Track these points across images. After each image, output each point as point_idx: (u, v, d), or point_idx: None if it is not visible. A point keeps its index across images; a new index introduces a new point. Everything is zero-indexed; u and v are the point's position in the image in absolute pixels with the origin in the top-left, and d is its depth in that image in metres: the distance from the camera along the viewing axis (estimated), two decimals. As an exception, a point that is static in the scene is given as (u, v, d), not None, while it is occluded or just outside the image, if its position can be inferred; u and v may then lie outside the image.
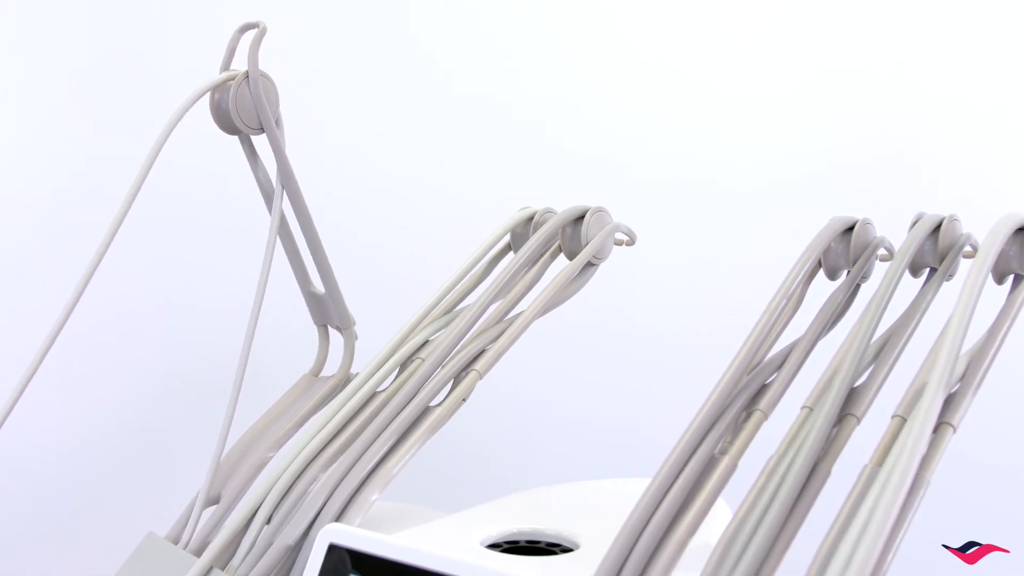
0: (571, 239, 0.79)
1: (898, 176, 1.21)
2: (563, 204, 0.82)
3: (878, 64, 1.22)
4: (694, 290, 1.22)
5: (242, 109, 0.70)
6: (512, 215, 0.82)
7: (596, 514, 0.68)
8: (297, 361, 0.87)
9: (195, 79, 1.16)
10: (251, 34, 0.70)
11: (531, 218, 0.81)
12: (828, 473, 0.55)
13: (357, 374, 0.76)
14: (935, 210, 0.70)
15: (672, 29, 1.25)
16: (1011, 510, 1.16)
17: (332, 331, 0.82)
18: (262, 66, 0.70)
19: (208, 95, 0.70)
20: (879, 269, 0.69)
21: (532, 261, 0.78)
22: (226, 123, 0.71)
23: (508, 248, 0.82)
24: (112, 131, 1.21)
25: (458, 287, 0.79)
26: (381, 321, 0.85)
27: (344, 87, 1.24)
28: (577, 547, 0.64)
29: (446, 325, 0.76)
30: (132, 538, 1.13)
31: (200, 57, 1.18)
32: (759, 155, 1.23)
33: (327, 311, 0.80)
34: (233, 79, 0.70)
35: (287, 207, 0.74)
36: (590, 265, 0.79)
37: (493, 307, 0.76)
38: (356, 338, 0.80)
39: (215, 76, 0.71)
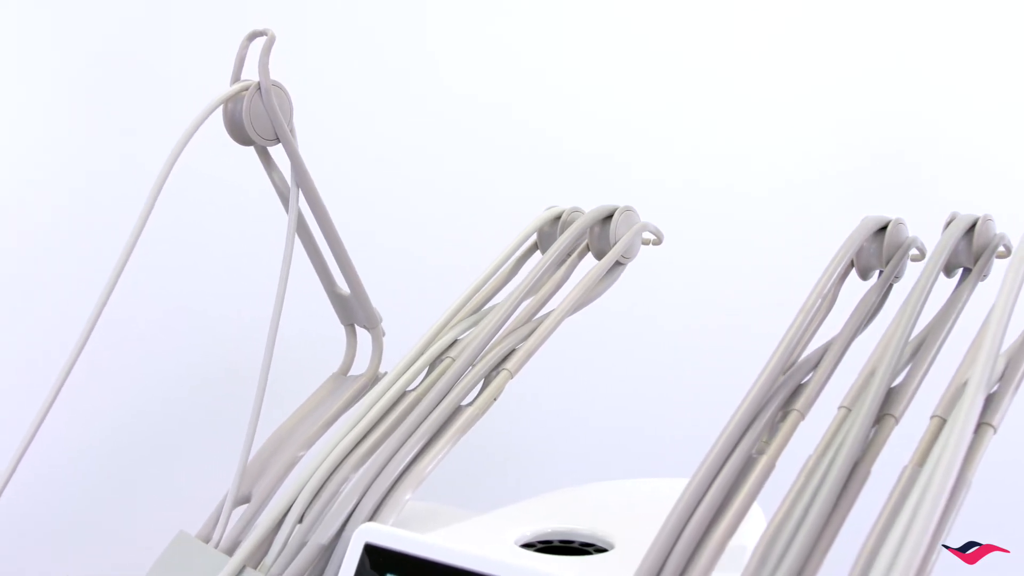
0: (599, 238, 0.79)
1: (906, 177, 1.21)
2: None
3: (885, 66, 1.21)
4: (702, 291, 1.22)
5: (256, 121, 0.69)
6: (539, 215, 0.82)
7: (628, 514, 0.68)
8: (318, 362, 0.87)
9: (201, 80, 1.17)
10: (259, 43, 0.68)
11: (558, 217, 0.81)
12: (868, 474, 0.55)
13: (386, 373, 0.76)
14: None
15: (674, 29, 1.24)
16: (1011, 510, 1.16)
17: (359, 330, 0.81)
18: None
19: (221, 107, 0.69)
20: (910, 269, 0.69)
21: (560, 261, 0.78)
22: (240, 135, 0.70)
23: (534, 247, 0.82)
24: (121, 135, 1.21)
25: (486, 287, 0.79)
26: (395, 322, 0.85)
27: (348, 88, 1.24)
28: (611, 547, 0.64)
29: (475, 324, 0.76)
30: (135, 538, 1.13)
31: (206, 59, 1.19)
32: (767, 156, 1.23)
33: (353, 311, 0.80)
34: (246, 90, 0.69)
35: (307, 212, 0.74)
36: (618, 264, 0.79)
37: (522, 306, 0.76)
38: (384, 334, 0.80)
39: (227, 88, 0.70)
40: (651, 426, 1.19)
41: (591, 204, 0.82)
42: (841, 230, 0.73)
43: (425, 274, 1.17)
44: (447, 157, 1.24)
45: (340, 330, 0.83)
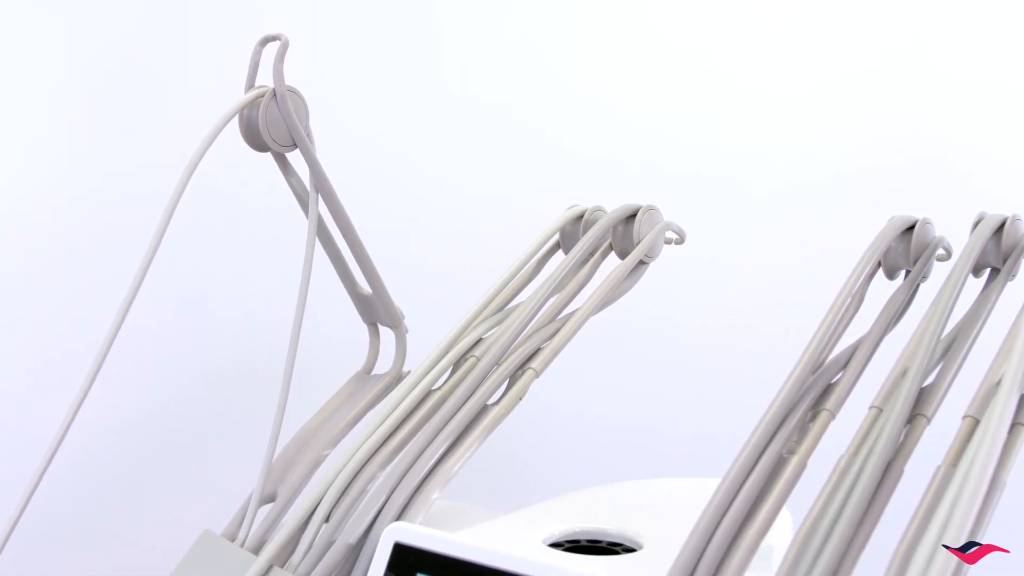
0: (622, 238, 0.79)
1: (916, 177, 1.20)
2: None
3: (895, 65, 1.21)
4: (720, 291, 1.22)
5: (272, 127, 0.69)
6: (561, 214, 0.82)
7: (654, 514, 0.68)
8: (335, 360, 0.87)
9: (201, 80, 1.17)
10: (272, 47, 0.67)
11: (580, 216, 0.81)
12: (900, 474, 0.55)
13: (409, 372, 0.76)
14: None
15: (689, 28, 1.24)
16: (1011, 509, 1.15)
17: (382, 329, 0.81)
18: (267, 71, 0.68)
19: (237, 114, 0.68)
20: (936, 268, 0.69)
21: (584, 260, 0.78)
22: (256, 142, 0.70)
23: (556, 247, 0.82)
24: (121, 135, 1.21)
25: (508, 286, 0.79)
26: (414, 322, 0.85)
27: (356, 88, 1.24)
28: (640, 547, 0.63)
29: (498, 324, 0.76)
30: (141, 540, 1.13)
31: (207, 59, 1.19)
32: (784, 155, 1.23)
33: (375, 310, 0.80)
34: (261, 96, 0.68)
35: (325, 214, 0.73)
36: (641, 264, 0.79)
37: (546, 305, 0.76)
38: (407, 331, 0.80)
39: (237, 92, 0.69)
40: (669, 426, 1.19)
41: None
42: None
43: (441, 274, 1.17)
44: (465, 157, 1.23)
45: (356, 329, 0.83)
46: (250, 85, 0.69)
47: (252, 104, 0.68)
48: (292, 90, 0.69)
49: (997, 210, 0.67)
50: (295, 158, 0.72)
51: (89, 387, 0.66)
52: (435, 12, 1.25)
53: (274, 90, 0.68)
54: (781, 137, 1.22)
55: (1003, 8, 1.20)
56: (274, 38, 0.67)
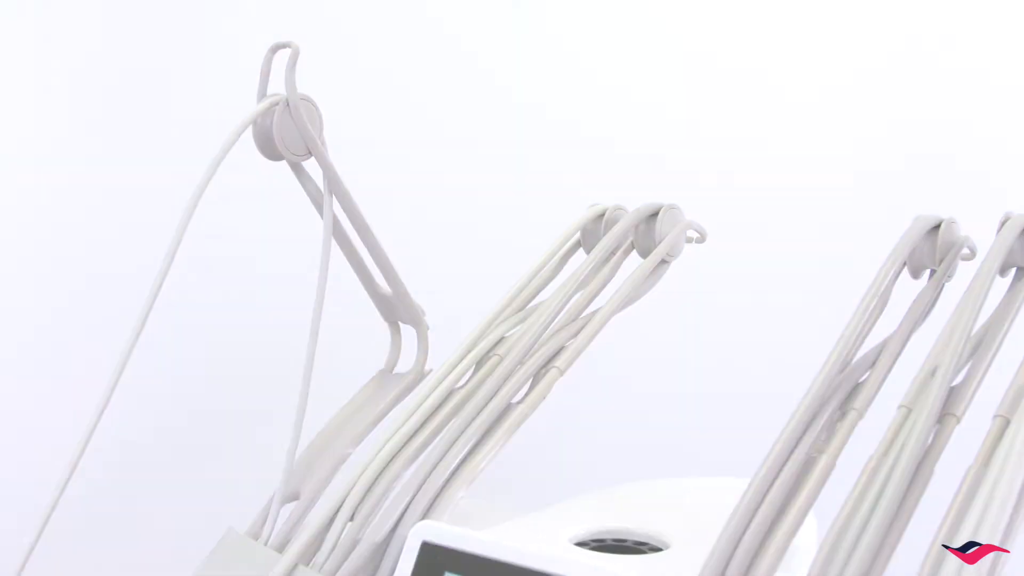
0: (644, 236, 0.79)
1: (921, 175, 1.20)
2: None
3: (903, 65, 1.20)
4: (731, 290, 1.22)
5: (287, 137, 0.68)
6: (582, 213, 0.82)
7: (679, 513, 0.68)
8: (355, 361, 0.87)
9: (201, 80, 1.16)
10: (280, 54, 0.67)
11: (601, 215, 0.81)
12: (931, 474, 0.55)
13: (431, 370, 0.75)
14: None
15: (704, 26, 1.24)
16: None
17: (403, 328, 0.81)
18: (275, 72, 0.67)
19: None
20: (960, 268, 0.69)
21: (606, 258, 0.78)
22: (270, 151, 0.69)
23: (577, 245, 0.82)
24: (120, 134, 1.21)
25: (530, 285, 0.79)
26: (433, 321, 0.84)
27: (364, 87, 1.23)
28: (667, 547, 0.63)
29: (520, 322, 0.76)
30: (157, 538, 1.13)
31: (206, 60, 1.19)
32: (784, 155, 1.22)
33: (396, 309, 0.80)
34: (275, 106, 0.67)
35: (341, 216, 0.73)
36: (663, 262, 0.79)
37: (568, 304, 0.76)
38: (428, 328, 0.80)
39: (256, 106, 0.68)
40: (689, 425, 1.19)
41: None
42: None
43: (459, 273, 1.16)
44: (483, 154, 1.23)
45: (376, 329, 0.83)
46: (262, 94, 0.68)
47: (265, 114, 0.68)
48: (305, 98, 0.68)
49: (1001, 209, 0.67)
50: (309, 162, 0.72)
51: (113, 388, 0.66)
52: (445, 10, 1.25)
53: (287, 99, 0.67)
54: (787, 137, 1.22)
55: (1008, 8, 1.20)
56: (284, 46, 0.66)
